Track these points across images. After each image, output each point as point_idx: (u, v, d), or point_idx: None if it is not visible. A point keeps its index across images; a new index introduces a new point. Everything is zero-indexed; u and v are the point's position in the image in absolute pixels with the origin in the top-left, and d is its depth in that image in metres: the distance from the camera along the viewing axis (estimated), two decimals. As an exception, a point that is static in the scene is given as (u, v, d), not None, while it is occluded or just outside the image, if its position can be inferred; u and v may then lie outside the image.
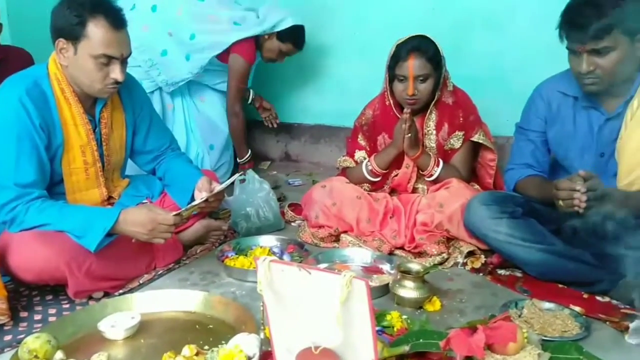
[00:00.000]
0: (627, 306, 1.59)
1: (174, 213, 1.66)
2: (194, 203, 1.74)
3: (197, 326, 1.51)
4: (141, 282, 1.79)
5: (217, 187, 1.80)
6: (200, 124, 2.81)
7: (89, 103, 1.74)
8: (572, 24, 1.57)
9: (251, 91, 2.98)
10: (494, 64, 2.63)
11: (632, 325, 1.44)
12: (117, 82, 1.65)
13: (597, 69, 1.57)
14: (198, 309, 1.57)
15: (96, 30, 1.58)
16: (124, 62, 1.66)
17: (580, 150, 1.76)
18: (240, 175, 2.01)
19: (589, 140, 1.73)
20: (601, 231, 1.65)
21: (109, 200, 1.86)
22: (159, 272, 1.85)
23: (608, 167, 1.71)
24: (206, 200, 1.77)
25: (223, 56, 2.71)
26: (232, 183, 2.26)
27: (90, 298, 1.69)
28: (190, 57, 2.66)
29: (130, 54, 1.69)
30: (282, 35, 2.74)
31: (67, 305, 1.66)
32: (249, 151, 2.91)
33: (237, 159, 2.91)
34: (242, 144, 2.87)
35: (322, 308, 1.04)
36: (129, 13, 2.59)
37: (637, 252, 1.58)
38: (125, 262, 1.75)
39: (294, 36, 2.76)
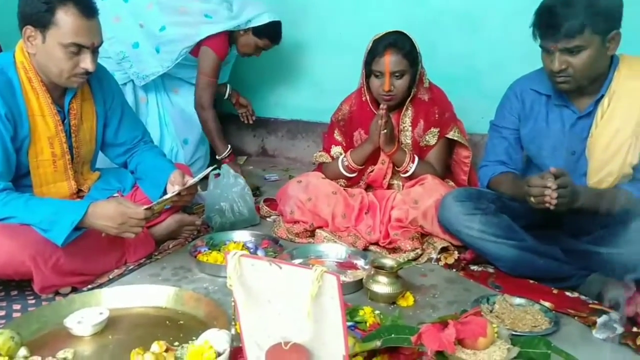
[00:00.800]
0: (595, 301, 1.61)
1: (145, 207, 1.62)
2: (165, 197, 1.71)
3: (167, 322, 1.48)
4: (111, 277, 1.75)
5: (190, 181, 1.77)
6: (174, 118, 2.76)
7: (58, 93, 1.70)
8: (545, 23, 1.58)
9: (228, 86, 2.94)
10: (468, 62, 2.64)
11: (599, 320, 1.47)
12: (87, 72, 1.61)
13: (569, 67, 1.59)
14: (169, 305, 1.55)
15: (66, 18, 1.53)
16: (94, 51, 1.62)
17: (552, 147, 1.78)
18: (214, 168, 1.97)
19: (561, 138, 1.76)
20: (571, 228, 1.69)
21: (79, 193, 1.82)
22: (130, 267, 1.82)
23: (579, 165, 1.74)
24: (179, 194, 1.74)
25: (195, 50, 2.65)
26: (207, 177, 2.23)
27: (57, 293, 1.64)
28: (160, 50, 2.62)
29: (101, 43, 1.64)
30: (259, 31, 2.67)
31: (33, 301, 1.61)
32: (228, 146, 2.74)
33: (216, 156, 2.75)
34: (216, 139, 2.69)
35: (293, 303, 1.03)
36: (99, 2, 2.57)
37: (605, 248, 1.61)
38: (94, 256, 1.71)
39: (271, 32, 2.69)
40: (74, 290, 1.66)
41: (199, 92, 2.65)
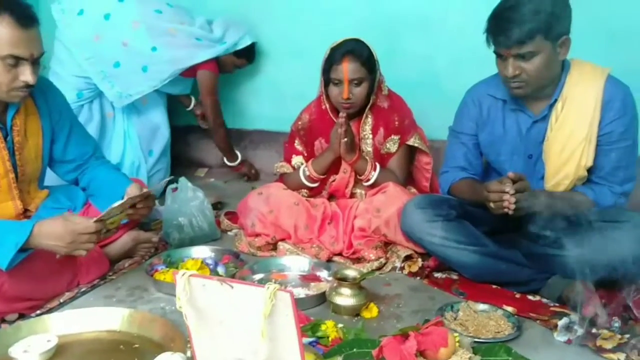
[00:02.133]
0: (556, 304, 1.62)
1: (95, 219, 1.53)
2: (116, 204, 1.59)
3: (121, 346, 1.41)
4: (62, 301, 1.66)
5: (145, 190, 1.69)
6: (141, 129, 2.70)
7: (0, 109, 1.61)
8: (497, 29, 1.60)
9: (192, 99, 2.95)
10: (427, 69, 2.66)
11: (560, 322, 1.48)
12: (28, 86, 1.53)
13: (522, 73, 1.61)
14: (122, 328, 1.47)
15: (1, 29, 1.45)
16: (35, 62, 1.54)
17: (510, 152, 1.80)
18: (171, 179, 1.89)
19: (518, 143, 1.77)
20: (530, 231, 1.69)
21: (25, 213, 1.72)
22: (82, 290, 1.73)
23: (536, 169, 1.76)
24: (134, 207, 1.66)
25: (185, 72, 2.67)
26: (165, 191, 2.19)
27: (3, 321, 1.54)
28: (148, 69, 2.56)
29: (42, 53, 1.56)
30: (238, 52, 2.82)
31: (-24, 330, 1.51)
32: (238, 154, 2.97)
33: (227, 163, 2.97)
34: (229, 152, 2.95)
35: (246, 323, 0.99)
36: (75, 18, 2.50)
37: (563, 251, 1.62)
38: (43, 280, 1.62)
39: (249, 52, 2.87)
40: (21, 316, 1.56)
41: (212, 115, 2.81)
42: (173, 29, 2.61)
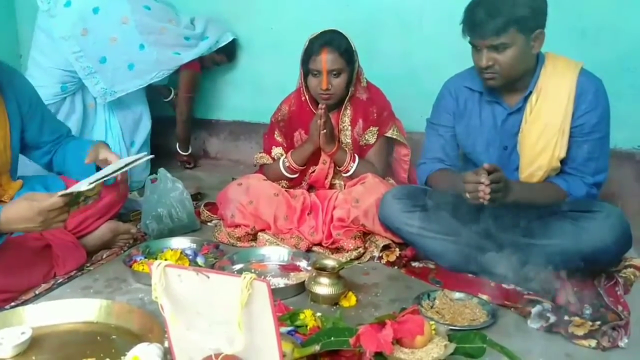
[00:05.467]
0: (530, 292, 1.66)
1: (60, 193, 1.42)
2: (92, 181, 1.48)
3: (98, 337, 1.40)
4: (37, 292, 1.64)
5: (119, 160, 1.61)
6: (123, 120, 2.67)
7: None
8: (472, 20, 1.62)
9: (172, 90, 2.95)
10: (405, 61, 2.67)
11: (533, 310, 1.51)
12: None
13: (495, 64, 1.64)
14: (100, 319, 1.46)
15: None
16: None
17: (485, 143, 1.82)
18: (147, 154, 1.82)
19: (493, 134, 1.80)
20: (505, 221, 1.73)
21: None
22: (59, 281, 1.71)
23: (511, 160, 1.78)
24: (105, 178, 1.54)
25: None
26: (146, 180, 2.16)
27: (-24, 313, 1.52)
28: (134, 67, 2.53)
29: None
30: (219, 49, 2.86)
31: (-52, 323, 1.49)
32: (190, 148, 3.09)
33: (180, 151, 3.07)
34: (186, 143, 3.06)
35: (223, 313, 1.00)
36: (61, 9, 2.43)
37: (537, 240, 1.66)
38: (17, 271, 1.59)
39: (228, 50, 2.92)
40: (-5, 309, 1.54)
41: (182, 108, 2.91)
42: (163, 27, 2.60)
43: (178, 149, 3.06)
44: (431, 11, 2.60)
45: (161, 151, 3.09)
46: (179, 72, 2.76)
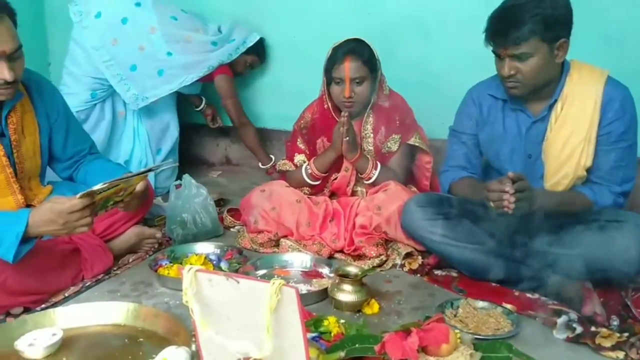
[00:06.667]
0: (555, 302, 1.64)
1: (80, 194, 1.44)
2: (108, 181, 1.50)
3: (126, 340, 1.43)
4: (66, 295, 1.68)
5: (142, 169, 1.67)
6: (150, 128, 2.73)
7: None
8: (495, 29, 1.62)
9: (203, 99, 2.99)
10: (426, 68, 2.67)
11: (559, 320, 1.49)
12: (8, 82, 1.49)
13: (517, 73, 1.63)
14: (127, 322, 1.49)
15: None
16: (11, 58, 1.49)
17: (509, 152, 1.81)
18: (171, 161, 1.86)
19: (518, 142, 1.79)
20: (530, 230, 1.72)
21: (29, 208, 1.74)
22: (87, 284, 1.75)
23: (536, 168, 1.77)
24: (131, 192, 1.60)
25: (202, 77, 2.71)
26: (171, 187, 2.19)
27: (8, 314, 1.56)
28: (164, 73, 2.60)
29: (16, 47, 1.50)
30: (248, 50, 2.84)
31: (-18, 323, 1.53)
32: (272, 157, 2.92)
33: (261, 166, 2.94)
34: (260, 151, 2.92)
35: (252, 318, 1.01)
36: (92, 20, 2.52)
37: (562, 249, 1.64)
38: (47, 274, 1.63)
39: (258, 48, 2.90)
40: (26, 310, 1.58)
41: (235, 116, 2.85)
42: (189, 36, 2.66)
43: (260, 165, 2.93)
44: (452, 18, 2.60)
45: (188, 158, 3.15)
46: (213, 81, 2.78)
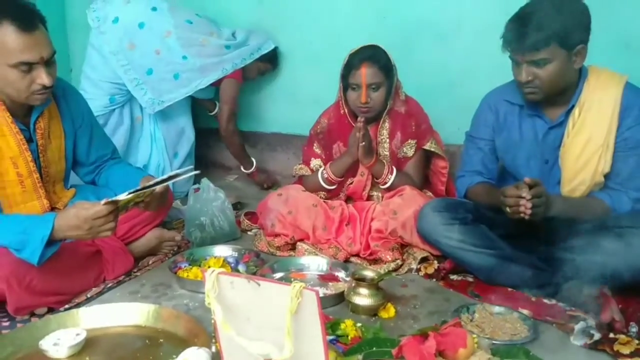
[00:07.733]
0: (573, 308, 1.63)
1: (104, 201, 1.48)
2: (132, 190, 1.54)
3: (147, 341, 1.46)
4: (89, 296, 1.72)
5: (163, 177, 1.66)
6: (167, 132, 2.77)
7: (23, 112, 1.65)
8: (513, 35, 1.63)
9: (217, 103, 3.01)
10: (443, 73, 2.67)
11: (577, 326, 1.49)
12: (46, 87, 1.54)
13: (535, 79, 1.64)
14: (148, 323, 1.52)
15: (6, 38, 1.46)
16: (48, 64, 1.54)
17: (526, 157, 1.81)
18: (190, 168, 1.88)
19: (534, 148, 1.79)
20: (547, 236, 1.72)
21: (54, 211, 1.78)
22: (108, 285, 1.79)
23: (552, 174, 1.77)
24: (151, 192, 1.62)
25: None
26: (189, 190, 2.22)
27: (33, 314, 1.61)
28: (180, 77, 2.64)
29: (53, 53, 1.55)
30: (262, 57, 2.86)
31: (7, 323, 1.58)
32: (253, 161, 2.95)
33: (243, 170, 2.96)
34: (243, 158, 2.93)
35: (272, 320, 1.03)
36: (110, 25, 2.57)
37: (580, 255, 1.64)
38: (70, 275, 1.67)
39: (272, 57, 2.93)
40: (50, 310, 1.62)
41: (224, 122, 2.79)
42: (204, 39, 2.69)
43: (243, 170, 2.96)
44: (467, 24, 2.60)
45: (204, 162, 3.19)
46: (221, 83, 2.80)
